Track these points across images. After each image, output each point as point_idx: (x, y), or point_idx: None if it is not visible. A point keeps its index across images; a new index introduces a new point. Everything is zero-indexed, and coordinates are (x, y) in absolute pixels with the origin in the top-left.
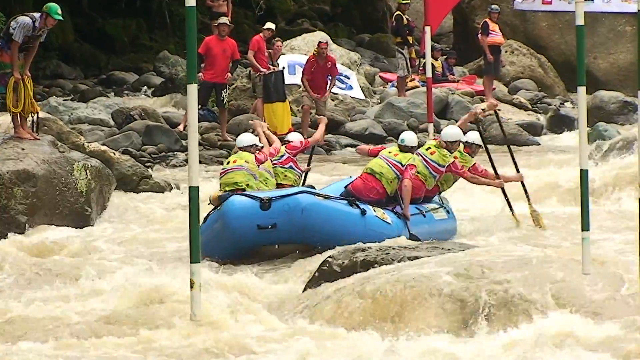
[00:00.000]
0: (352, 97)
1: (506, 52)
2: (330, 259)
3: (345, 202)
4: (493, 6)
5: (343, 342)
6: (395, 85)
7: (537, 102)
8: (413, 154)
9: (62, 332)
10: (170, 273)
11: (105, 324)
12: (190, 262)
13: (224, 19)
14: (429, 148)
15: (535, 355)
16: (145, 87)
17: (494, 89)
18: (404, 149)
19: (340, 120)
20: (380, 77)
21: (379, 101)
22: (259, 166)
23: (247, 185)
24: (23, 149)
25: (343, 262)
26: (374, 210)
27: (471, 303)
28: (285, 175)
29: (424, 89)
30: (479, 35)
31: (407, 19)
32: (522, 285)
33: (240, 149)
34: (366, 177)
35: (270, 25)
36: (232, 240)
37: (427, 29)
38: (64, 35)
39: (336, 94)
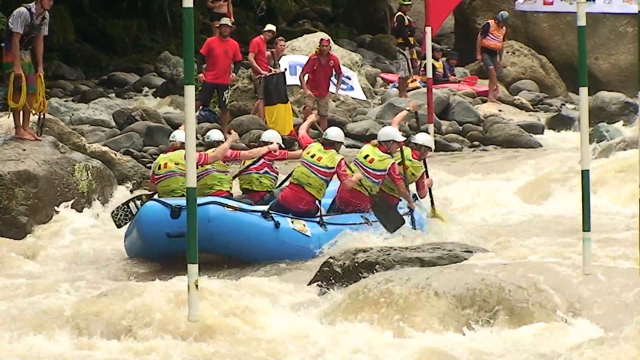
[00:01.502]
0: (353, 98)
1: (507, 52)
2: (331, 260)
3: (259, 214)
4: (503, 13)
5: (344, 341)
6: (397, 86)
7: (538, 102)
8: (337, 150)
9: (59, 333)
10: (169, 273)
11: (103, 325)
12: (188, 263)
13: (226, 20)
14: (367, 156)
15: (536, 356)
16: (146, 88)
17: (496, 89)
18: (326, 142)
19: (342, 121)
20: (382, 77)
21: (380, 102)
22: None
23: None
24: (24, 150)
25: (344, 263)
26: (292, 222)
27: (471, 303)
28: (260, 182)
29: (425, 89)
30: (478, 34)
31: (408, 19)
32: (523, 286)
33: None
34: (293, 188)
35: (270, 27)
36: (144, 246)
37: (428, 29)
38: (65, 36)
39: (339, 94)
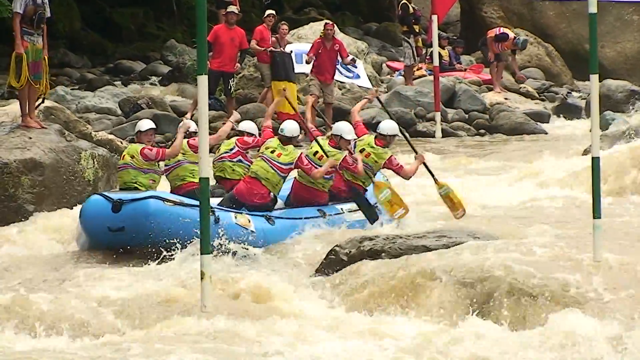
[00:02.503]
0: (359, 86)
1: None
2: (337, 248)
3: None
4: (524, 41)
5: (352, 328)
6: (403, 74)
7: (544, 90)
8: (294, 145)
9: (72, 322)
10: (180, 264)
11: (116, 316)
12: (201, 253)
13: (233, 8)
14: (317, 152)
15: (540, 341)
16: (152, 76)
17: (502, 77)
18: (283, 138)
19: (348, 109)
20: (388, 66)
21: (387, 90)
22: (146, 160)
23: (136, 183)
24: (30, 138)
25: (350, 251)
26: (235, 217)
27: (476, 290)
28: (233, 170)
29: (431, 77)
30: (493, 42)
31: (413, 7)
32: (531, 272)
33: (140, 132)
34: (250, 182)
35: (270, 11)
36: (88, 239)
37: (434, 17)
38: (71, 24)
39: (343, 82)
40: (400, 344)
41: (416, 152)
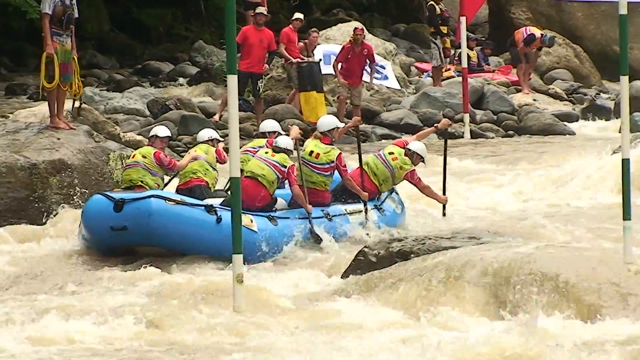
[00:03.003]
0: (387, 87)
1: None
2: (366, 249)
3: (203, 208)
4: (550, 38)
5: (383, 329)
6: (431, 75)
7: (573, 92)
8: (288, 155)
9: (98, 323)
10: (212, 265)
11: (148, 316)
12: (233, 253)
13: (261, 9)
14: (312, 152)
15: (571, 341)
16: (180, 77)
17: (530, 79)
18: (276, 149)
19: (376, 111)
20: (416, 67)
21: (415, 91)
22: (158, 164)
23: (142, 182)
24: (59, 139)
25: (379, 253)
26: None
27: (506, 292)
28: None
29: (460, 79)
30: (522, 45)
31: (440, 9)
32: (559, 274)
33: (157, 137)
34: (249, 183)
35: (298, 15)
36: (90, 239)
37: (463, 19)
38: (99, 25)
39: (373, 83)
40: (433, 345)
41: (444, 193)
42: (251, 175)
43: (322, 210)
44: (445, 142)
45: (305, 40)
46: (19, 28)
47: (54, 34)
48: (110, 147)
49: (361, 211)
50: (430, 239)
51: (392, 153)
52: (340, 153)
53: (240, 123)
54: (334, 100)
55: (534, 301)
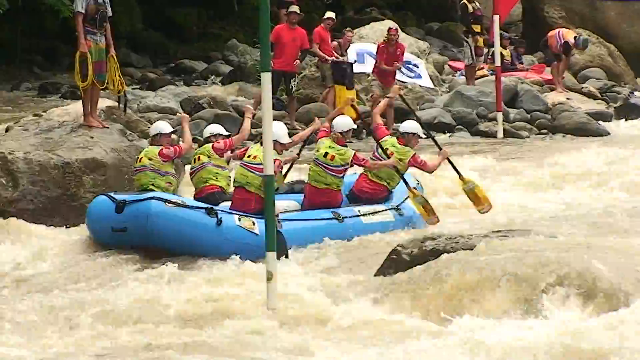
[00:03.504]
0: (420, 86)
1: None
2: (399, 248)
3: (203, 210)
4: (584, 40)
5: (417, 328)
6: (464, 74)
7: (607, 90)
8: (277, 151)
9: (131, 322)
10: (246, 262)
11: (181, 314)
12: (266, 251)
13: (295, 8)
14: (327, 154)
15: (601, 340)
16: (213, 76)
17: (564, 77)
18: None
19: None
20: (449, 65)
21: (448, 90)
22: (164, 161)
23: (153, 185)
24: (92, 138)
25: (412, 251)
26: (239, 220)
27: (541, 288)
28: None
29: (493, 77)
30: (560, 49)
31: (473, 7)
32: (594, 274)
33: (162, 134)
34: (238, 192)
35: (330, 14)
36: (94, 239)
37: (496, 17)
38: (132, 24)
39: (405, 82)
40: (467, 343)
41: (440, 148)
42: (238, 185)
43: (333, 212)
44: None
45: (340, 40)
46: (52, 27)
47: (88, 32)
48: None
49: (376, 212)
50: (463, 237)
51: (387, 149)
52: (356, 152)
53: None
54: (367, 99)
55: (568, 299)
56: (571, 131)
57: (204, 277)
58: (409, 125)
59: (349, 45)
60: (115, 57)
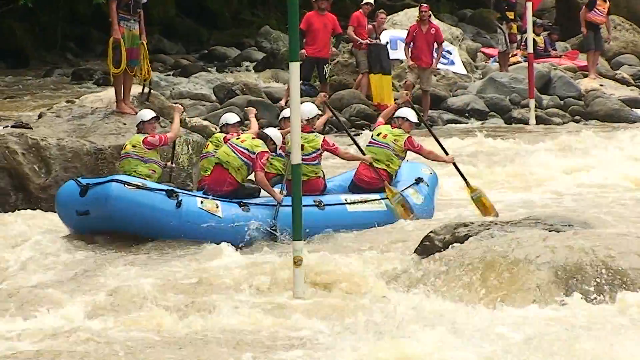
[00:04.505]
0: (454, 73)
1: (614, 28)
2: (432, 234)
3: (164, 192)
4: None
5: (447, 313)
6: (497, 60)
7: None
8: (265, 141)
9: (154, 308)
10: (273, 250)
11: (206, 301)
12: (293, 240)
13: None
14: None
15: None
16: (246, 62)
17: (597, 64)
18: (261, 135)
19: (442, 96)
20: (482, 52)
21: (481, 76)
22: (149, 149)
23: (135, 171)
24: (124, 124)
25: (445, 237)
26: (201, 202)
27: (574, 275)
28: (271, 164)
29: (526, 64)
30: (583, 7)
31: None
32: (625, 261)
33: (144, 122)
34: (215, 169)
35: (369, 0)
36: (63, 223)
37: (529, 4)
38: (165, 11)
39: (438, 69)
40: (499, 330)
41: (446, 153)
42: (218, 162)
43: (314, 199)
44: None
45: (373, 23)
46: (85, 13)
47: (121, 19)
48: None
49: (364, 202)
50: (496, 224)
51: (380, 133)
52: (325, 137)
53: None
54: (400, 85)
55: (599, 287)
56: (604, 117)
57: (231, 261)
58: (400, 110)
59: (382, 29)
60: (145, 44)
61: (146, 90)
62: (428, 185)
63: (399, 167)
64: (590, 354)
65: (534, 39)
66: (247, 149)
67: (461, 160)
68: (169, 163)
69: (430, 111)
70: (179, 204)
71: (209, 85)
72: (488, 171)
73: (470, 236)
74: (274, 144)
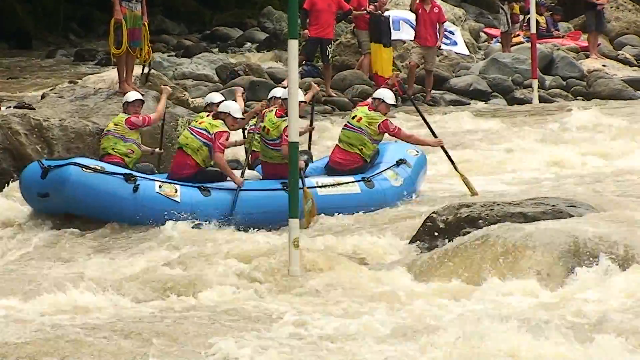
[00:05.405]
0: (456, 53)
1: (611, 7)
2: (434, 215)
3: (121, 176)
4: None
5: (451, 295)
6: (500, 40)
7: None
8: (226, 122)
9: (155, 288)
10: (269, 229)
11: (204, 280)
12: (289, 217)
13: None
14: (264, 127)
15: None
16: (249, 43)
17: (599, 44)
18: (216, 115)
19: (445, 76)
20: (485, 32)
21: (484, 57)
22: (131, 129)
23: (113, 149)
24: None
25: (447, 218)
26: (159, 187)
27: (575, 257)
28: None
29: (529, 44)
30: None
31: None
32: (627, 243)
33: (128, 103)
34: (177, 153)
35: None
36: (27, 204)
37: None
38: None
39: (441, 49)
40: (501, 311)
41: (435, 136)
42: (179, 146)
43: (282, 183)
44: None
45: (375, 4)
46: None
47: None
48: (179, 113)
49: (336, 184)
50: (498, 204)
51: (355, 116)
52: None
53: (309, 89)
54: (403, 65)
55: (602, 268)
56: (607, 98)
57: (227, 239)
58: (377, 91)
59: (384, 10)
60: (147, 25)
61: (146, 70)
62: (411, 167)
63: (374, 150)
64: None
65: (536, 19)
66: (205, 129)
67: (461, 141)
68: (157, 149)
69: (432, 91)
70: (135, 189)
71: (211, 66)
72: (488, 153)
73: (473, 217)
74: (235, 118)
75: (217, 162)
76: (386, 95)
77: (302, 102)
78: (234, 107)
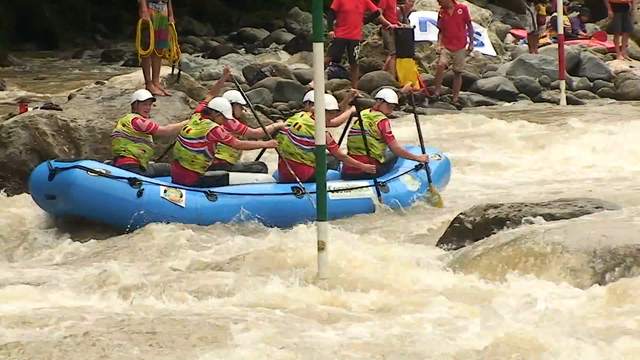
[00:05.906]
0: (483, 54)
1: (638, 9)
2: (462, 216)
3: (126, 180)
4: None
5: (478, 296)
6: (527, 41)
7: None
8: (215, 120)
9: (186, 289)
10: (297, 231)
11: (231, 284)
12: (317, 220)
13: None
14: (297, 123)
15: None
16: (276, 44)
17: (627, 45)
18: (203, 112)
19: (472, 77)
20: (512, 33)
21: (511, 58)
22: (136, 130)
23: (125, 151)
24: (154, 105)
25: (475, 219)
26: (164, 192)
27: (604, 258)
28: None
29: (556, 45)
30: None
31: None
32: None
33: (139, 102)
34: (173, 165)
35: None
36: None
37: None
38: None
39: (471, 52)
40: (528, 313)
41: (424, 151)
42: (174, 158)
43: (293, 187)
44: (413, 102)
45: (402, 5)
46: None
47: (150, 0)
48: None
49: (350, 189)
50: (526, 205)
51: (357, 120)
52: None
53: (335, 90)
54: (430, 66)
55: (630, 271)
56: (634, 99)
57: (256, 242)
58: (379, 92)
59: (410, 12)
60: (174, 26)
61: (176, 71)
62: (431, 172)
63: (385, 150)
64: None
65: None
66: (193, 138)
67: (486, 142)
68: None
69: (460, 92)
70: (140, 193)
71: (238, 67)
72: (517, 153)
73: (501, 218)
74: (221, 114)
75: (241, 147)
76: (388, 94)
77: (334, 110)
78: (226, 106)
